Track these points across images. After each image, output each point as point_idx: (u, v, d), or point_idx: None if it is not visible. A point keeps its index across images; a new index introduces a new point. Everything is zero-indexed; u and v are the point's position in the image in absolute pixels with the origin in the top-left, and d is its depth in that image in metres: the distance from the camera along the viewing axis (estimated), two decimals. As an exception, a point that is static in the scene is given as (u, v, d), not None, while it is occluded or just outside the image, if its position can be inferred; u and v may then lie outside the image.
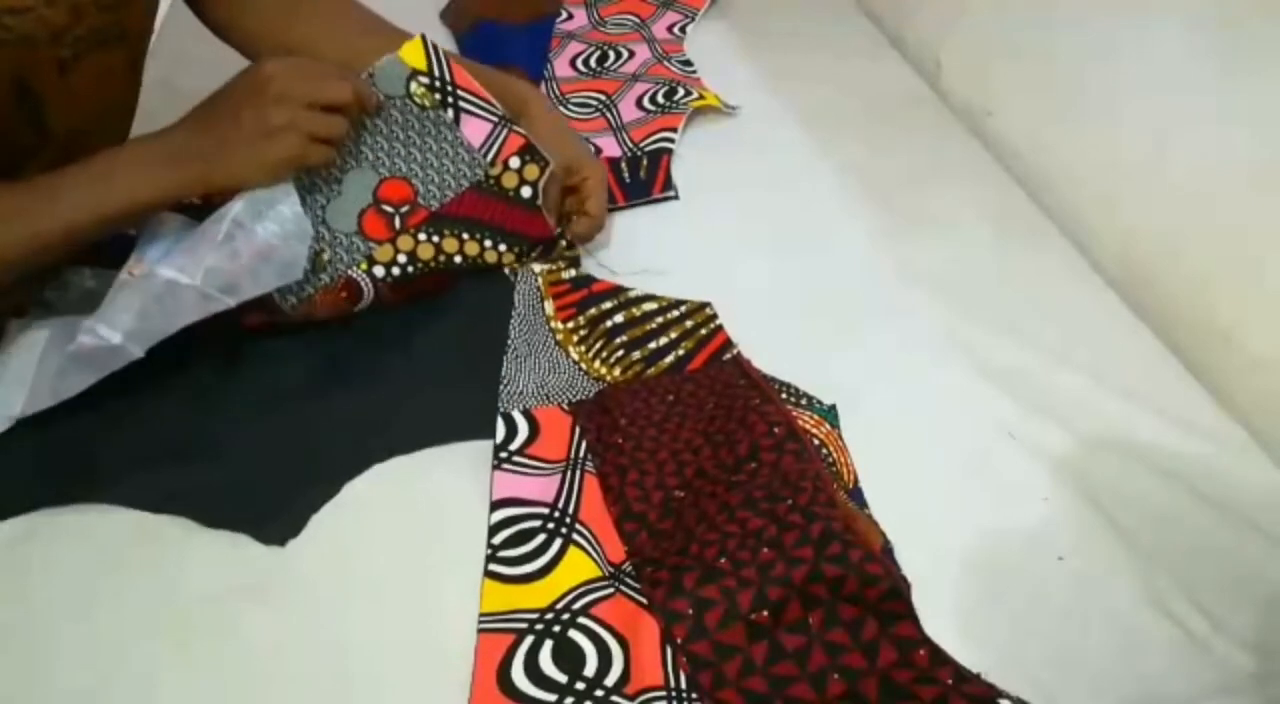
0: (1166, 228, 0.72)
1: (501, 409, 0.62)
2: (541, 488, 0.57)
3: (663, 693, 0.47)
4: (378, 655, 0.50)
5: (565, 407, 0.63)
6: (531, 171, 0.69)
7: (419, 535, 0.56)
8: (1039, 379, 0.65)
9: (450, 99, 0.68)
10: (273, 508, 0.57)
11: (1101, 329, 0.70)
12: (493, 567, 0.53)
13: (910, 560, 0.54)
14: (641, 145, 0.86)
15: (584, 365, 0.66)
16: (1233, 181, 0.68)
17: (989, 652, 0.50)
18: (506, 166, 0.68)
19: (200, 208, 0.63)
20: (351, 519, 0.57)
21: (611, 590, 0.52)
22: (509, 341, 0.66)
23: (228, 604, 0.52)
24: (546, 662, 0.49)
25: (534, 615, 0.51)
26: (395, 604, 0.53)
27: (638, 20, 1.07)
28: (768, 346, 0.67)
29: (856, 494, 0.57)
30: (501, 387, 0.63)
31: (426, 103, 0.68)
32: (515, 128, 0.69)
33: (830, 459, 0.58)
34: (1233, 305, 0.67)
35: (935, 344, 0.68)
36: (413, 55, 0.67)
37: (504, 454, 0.59)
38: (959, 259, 0.75)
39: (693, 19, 1.06)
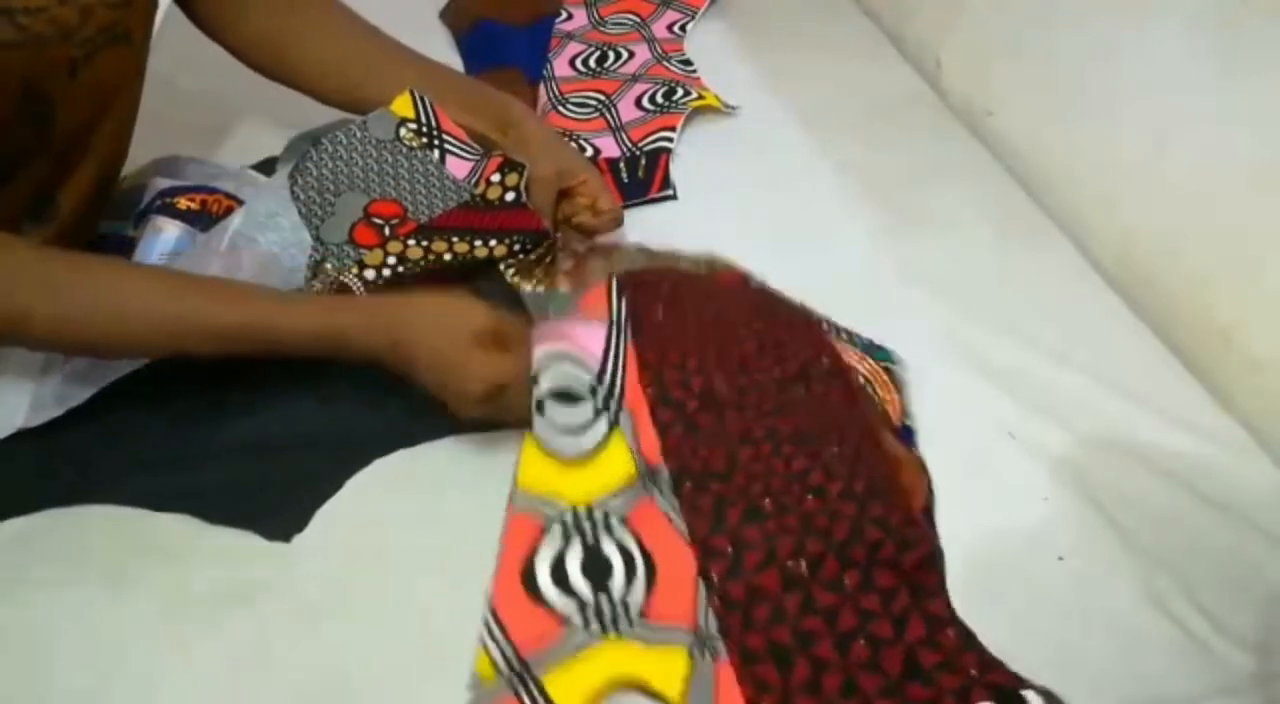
0: (1166, 228, 0.72)
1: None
2: (591, 338, 0.55)
3: (689, 636, 0.47)
4: (378, 655, 0.50)
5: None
6: (512, 179, 0.70)
7: (422, 534, 0.56)
8: (1039, 379, 0.65)
9: (436, 142, 0.73)
10: (275, 504, 0.57)
11: (1101, 329, 0.70)
12: (539, 429, 0.52)
13: (910, 560, 0.54)
14: (640, 145, 0.86)
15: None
16: (1233, 181, 0.68)
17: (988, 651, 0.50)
18: (489, 183, 0.70)
19: (199, 214, 0.63)
20: (353, 519, 0.57)
21: (645, 495, 0.51)
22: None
23: (228, 605, 0.52)
24: (574, 569, 0.48)
25: (568, 511, 0.50)
26: (397, 604, 0.53)
27: (638, 19, 1.07)
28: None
29: (906, 433, 0.57)
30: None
31: (415, 145, 0.72)
32: (492, 153, 0.71)
33: (877, 397, 0.57)
34: (1233, 305, 0.67)
35: (935, 344, 0.68)
36: (402, 107, 0.73)
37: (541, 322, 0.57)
38: (959, 259, 0.75)
39: (693, 18, 1.06)
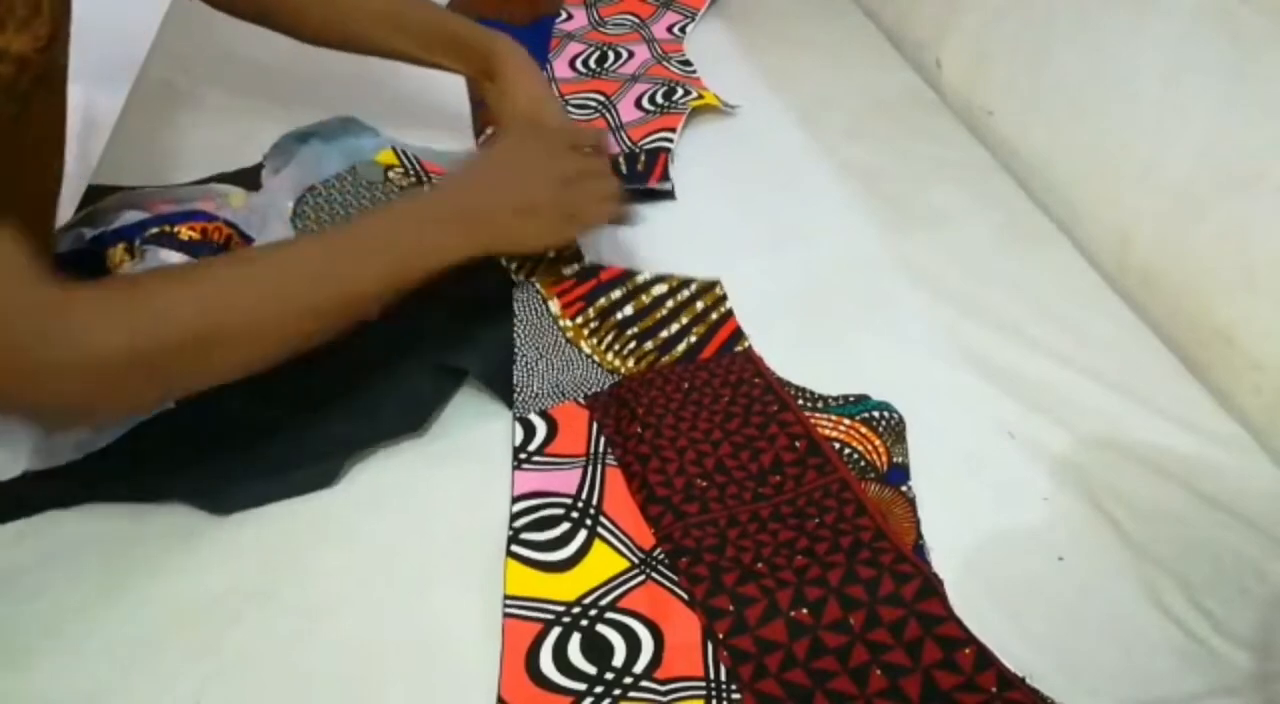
0: (1166, 228, 0.72)
1: (517, 414, 0.62)
2: (563, 481, 0.58)
3: (701, 684, 0.48)
4: (383, 654, 0.50)
5: (581, 400, 0.63)
6: None
7: (425, 534, 0.56)
8: (1039, 379, 0.65)
9: (424, 180, 0.77)
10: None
11: (1101, 329, 0.70)
12: (516, 548, 0.54)
13: (910, 560, 0.54)
14: (640, 144, 0.86)
15: (597, 358, 0.66)
16: (1233, 181, 0.68)
17: (989, 652, 0.50)
18: None
19: (201, 243, 0.65)
20: (352, 521, 0.57)
21: (643, 578, 0.53)
22: (516, 350, 0.66)
23: (231, 604, 0.52)
24: (575, 654, 0.49)
25: (561, 608, 0.51)
26: (401, 603, 0.53)
27: (637, 20, 1.07)
28: (767, 346, 0.67)
29: (894, 475, 0.58)
30: (515, 394, 0.63)
31: (404, 184, 0.76)
32: None
33: (855, 456, 0.58)
34: (1233, 305, 0.67)
35: (935, 344, 0.68)
36: (387, 158, 0.77)
37: (523, 455, 0.59)
38: (959, 259, 0.75)
39: (693, 19, 1.06)
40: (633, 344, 0.67)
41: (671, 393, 0.62)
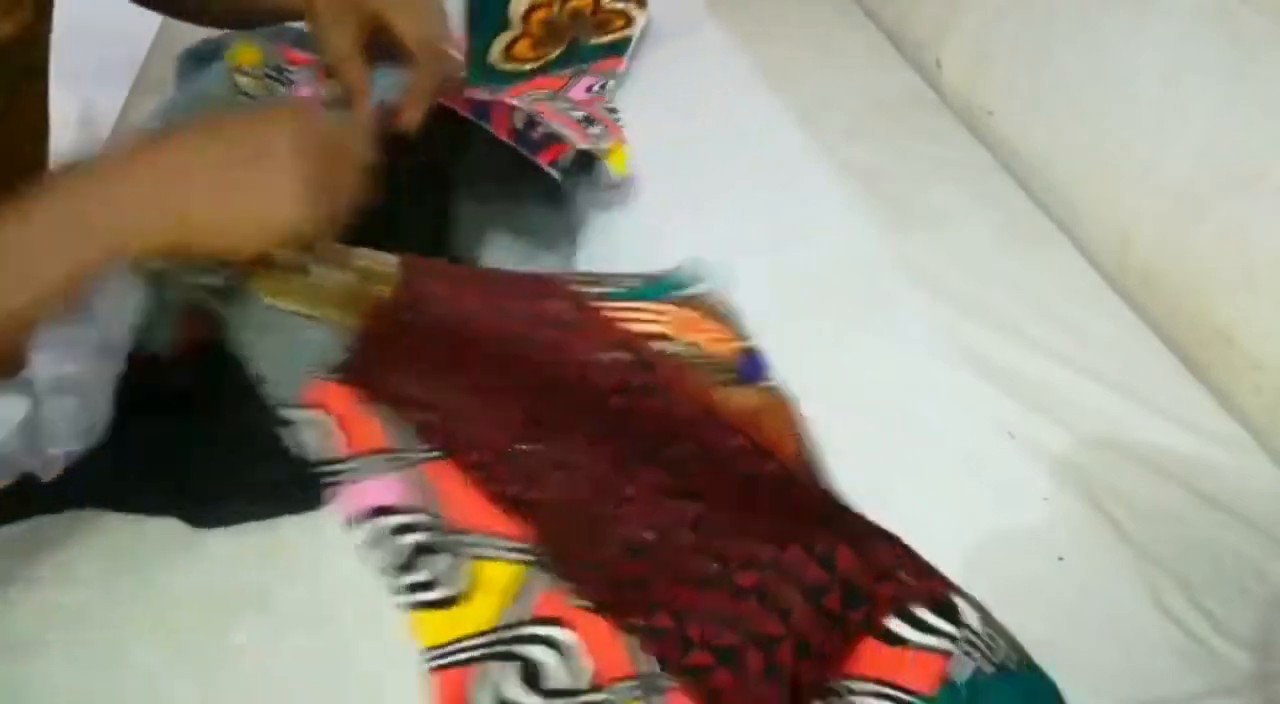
0: (1166, 228, 0.72)
1: (278, 412, 0.49)
2: (398, 488, 0.49)
3: (635, 682, 0.45)
4: (378, 662, 0.50)
5: (326, 375, 0.50)
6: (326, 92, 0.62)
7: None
8: (1039, 379, 0.65)
9: (278, 80, 0.66)
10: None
11: (1101, 329, 0.70)
12: (406, 598, 0.47)
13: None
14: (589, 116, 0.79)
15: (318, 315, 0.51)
16: (1233, 181, 0.68)
17: (989, 652, 0.50)
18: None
19: None
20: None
21: (540, 584, 0.47)
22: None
23: (226, 610, 0.52)
24: (513, 688, 0.45)
25: (481, 639, 0.47)
26: (398, 608, 0.52)
27: (550, 92, 0.92)
28: (766, 346, 0.67)
29: (751, 366, 0.51)
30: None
31: (255, 91, 0.64)
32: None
33: (693, 352, 0.51)
34: (1233, 305, 0.67)
35: (935, 344, 0.68)
36: (245, 54, 0.65)
37: (325, 468, 0.48)
38: (959, 259, 0.75)
39: (612, 79, 0.91)
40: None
41: (438, 344, 0.49)
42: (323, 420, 0.49)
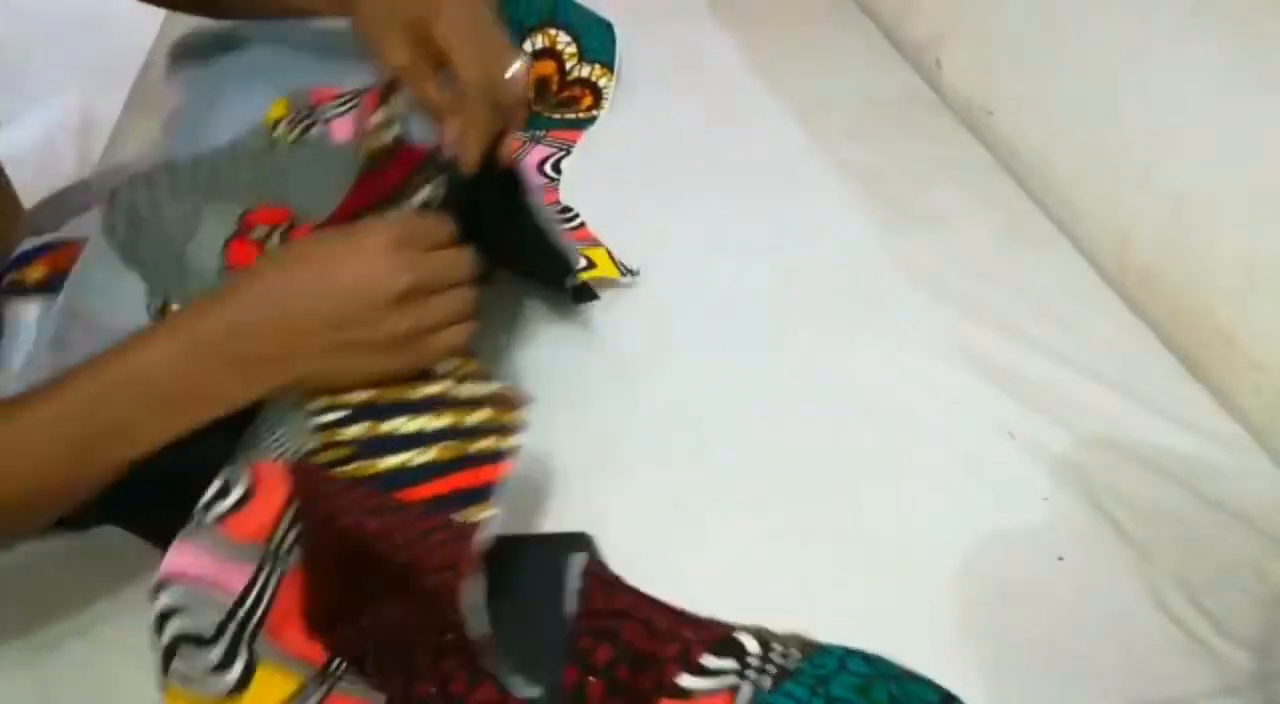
0: (1166, 228, 0.72)
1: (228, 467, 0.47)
2: (228, 574, 0.45)
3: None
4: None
5: (289, 460, 0.49)
6: (384, 111, 0.60)
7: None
8: (1039, 379, 0.65)
9: (310, 120, 0.67)
10: None
11: (1101, 329, 0.70)
12: (179, 669, 0.43)
13: (910, 560, 0.54)
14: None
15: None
16: (1234, 181, 0.68)
17: (988, 652, 0.50)
18: (370, 131, 0.60)
19: (51, 278, 0.57)
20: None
21: (325, 689, 0.45)
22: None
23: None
24: None
25: None
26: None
27: None
28: (767, 346, 0.67)
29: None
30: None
31: (291, 139, 0.66)
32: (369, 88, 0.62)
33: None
34: (1233, 305, 0.67)
35: (935, 344, 0.68)
36: (277, 109, 0.69)
37: (198, 518, 0.46)
38: (959, 259, 0.75)
39: (568, 152, 0.83)
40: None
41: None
42: (248, 485, 0.47)
